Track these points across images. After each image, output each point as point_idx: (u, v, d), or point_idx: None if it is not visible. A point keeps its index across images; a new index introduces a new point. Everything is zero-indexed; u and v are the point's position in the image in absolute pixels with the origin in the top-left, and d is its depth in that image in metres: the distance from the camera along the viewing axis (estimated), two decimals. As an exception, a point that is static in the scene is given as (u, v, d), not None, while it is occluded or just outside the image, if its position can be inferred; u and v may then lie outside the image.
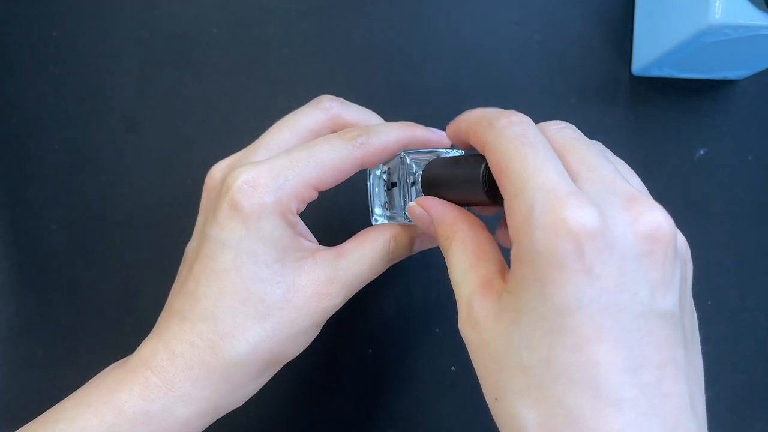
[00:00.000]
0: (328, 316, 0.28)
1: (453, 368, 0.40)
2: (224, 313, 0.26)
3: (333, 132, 0.30)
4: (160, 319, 0.28)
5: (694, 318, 0.23)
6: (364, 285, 0.29)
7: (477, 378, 0.37)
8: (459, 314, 0.23)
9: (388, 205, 0.31)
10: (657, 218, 0.20)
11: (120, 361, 0.29)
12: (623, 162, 0.24)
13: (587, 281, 0.19)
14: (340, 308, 0.33)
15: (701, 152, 0.41)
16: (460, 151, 0.30)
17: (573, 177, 0.21)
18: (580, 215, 0.19)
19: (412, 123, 0.30)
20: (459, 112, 0.40)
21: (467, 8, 0.41)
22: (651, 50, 0.38)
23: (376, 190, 0.31)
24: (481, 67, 0.41)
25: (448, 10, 0.41)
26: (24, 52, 0.41)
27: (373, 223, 0.31)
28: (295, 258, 0.27)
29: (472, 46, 0.41)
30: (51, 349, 0.41)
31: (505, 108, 0.42)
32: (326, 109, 0.30)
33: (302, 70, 0.41)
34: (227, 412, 0.28)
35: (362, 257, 0.28)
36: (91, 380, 0.28)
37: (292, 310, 0.26)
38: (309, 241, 0.29)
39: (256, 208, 0.26)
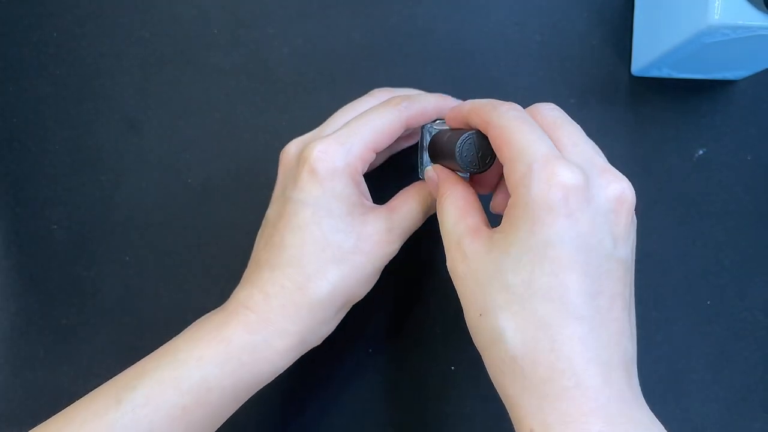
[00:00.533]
0: (387, 261, 0.33)
1: (453, 368, 0.40)
2: (308, 259, 0.31)
3: None
4: (247, 271, 0.33)
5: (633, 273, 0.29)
6: (411, 233, 0.35)
7: (476, 378, 0.38)
8: (448, 254, 0.29)
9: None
10: (623, 186, 0.26)
11: (214, 310, 0.33)
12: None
13: (568, 224, 0.25)
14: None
15: (700, 152, 0.41)
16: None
17: (560, 149, 0.27)
18: (569, 173, 0.25)
19: (446, 95, 0.36)
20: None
21: (467, 8, 0.41)
22: (650, 50, 0.39)
23: (426, 154, 0.36)
24: (481, 67, 0.41)
25: (448, 10, 0.41)
26: (25, 52, 0.41)
27: (420, 175, 0.36)
28: (360, 212, 0.32)
29: (472, 46, 0.41)
30: (52, 349, 0.41)
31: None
32: (379, 98, 0.35)
33: (302, 70, 0.41)
34: (310, 348, 0.33)
35: (410, 210, 0.34)
36: (191, 326, 0.32)
37: (362, 254, 0.32)
38: (367, 200, 0.34)
39: (330, 172, 0.31)
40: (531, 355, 0.24)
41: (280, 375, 0.34)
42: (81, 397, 0.37)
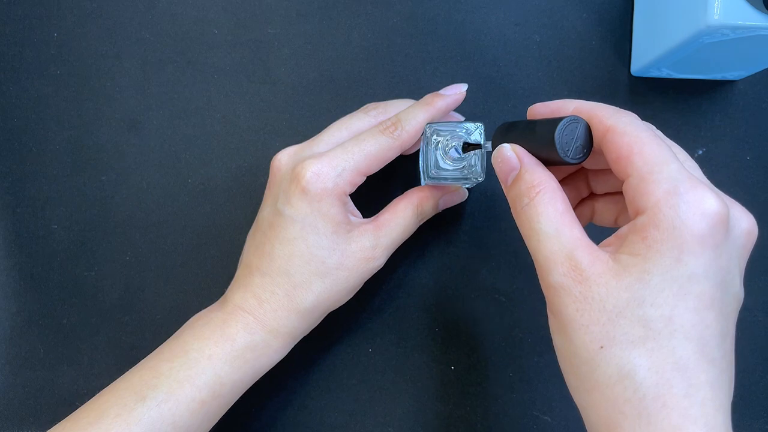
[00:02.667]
0: (371, 275, 0.36)
1: (453, 368, 0.40)
2: (295, 269, 0.34)
3: None
4: (239, 273, 0.36)
5: None
6: (400, 244, 0.36)
7: (477, 378, 0.38)
8: (553, 267, 0.25)
9: (437, 168, 0.36)
10: (753, 220, 0.25)
11: (207, 308, 0.35)
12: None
13: (714, 256, 0.23)
14: (341, 307, 0.36)
15: (700, 152, 0.41)
16: (477, 124, 0.35)
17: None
18: (717, 202, 0.23)
19: (434, 96, 0.36)
20: (459, 112, 0.40)
21: (467, 8, 0.41)
22: (650, 51, 0.39)
23: (431, 156, 0.36)
24: (481, 67, 0.41)
25: (448, 11, 0.41)
26: (26, 52, 0.41)
27: (423, 181, 0.36)
28: (345, 230, 0.34)
29: (472, 46, 0.41)
30: (52, 349, 0.41)
31: (503, 107, 0.42)
32: (374, 116, 0.36)
33: (302, 70, 0.41)
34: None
35: (396, 225, 0.36)
36: (192, 323, 0.35)
37: (345, 270, 0.34)
38: (354, 216, 0.36)
39: (320, 192, 0.33)
40: (663, 398, 0.22)
41: (280, 375, 0.35)
42: (81, 397, 0.37)
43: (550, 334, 0.27)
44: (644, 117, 0.42)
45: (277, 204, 0.34)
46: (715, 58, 0.36)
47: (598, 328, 0.24)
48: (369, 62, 0.41)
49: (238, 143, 0.41)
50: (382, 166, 0.35)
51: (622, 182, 0.25)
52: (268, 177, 0.36)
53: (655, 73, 0.41)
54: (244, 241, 0.37)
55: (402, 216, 0.36)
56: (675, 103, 0.41)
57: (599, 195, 0.32)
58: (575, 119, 0.26)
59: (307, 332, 0.36)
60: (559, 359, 0.26)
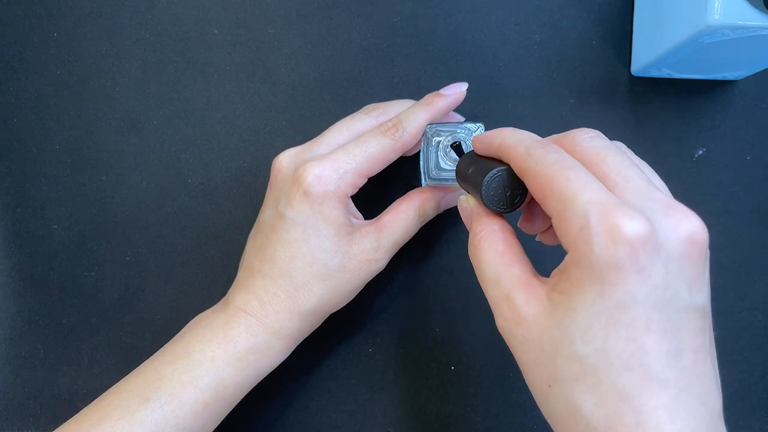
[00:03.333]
0: (372, 277, 0.36)
1: (453, 368, 0.40)
2: (297, 272, 0.34)
3: None
4: (240, 275, 0.36)
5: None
6: (402, 245, 0.36)
7: (476, 378, 0.38)
8: (496, 310, 0.26)
9: (438, 168, 0.36)
10: (695, 224, 0.23)
11: (209, 310, 0.36)
12: (644, 162, 0.27)
13: (640, 280, 0.22)
14: (341, 307, 0.36)
15: (700, 152, 0.41)
16: (478, 124, 0.35)
17: (611, 186, 0.24)
18: (632, 223, 0.22)
19: (434, 96, 0.36)
20: (459, 112, 0.40)
21: (467, 8, 0.41)
22: (650, 51, 0.39)
23: (432, 157, 0.36)
24: (481, 67, 0.41)
25: (448, 11, 0.41)
26: (25, 52, 0.41)
27: (423, 182, 0.36)
28: (347, 232, 0.34)
29: (472, 46, 0.41)
30: (52, 349, 0.41)
31: (503, 107, 0.42)
32: (375, 117, 0.36)
33: (302, 70, 0.41)
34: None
35: (398, 227, 0.36)
36: (194, 324, 0.35)
37: (347, 272, 0.34)
38: (356, 218, 0.36)
39: (322, 195, 0.33)
40: (615, 429, 0.22)
41: (280, 376, 0.35)
42: (81, 397, 0.37)
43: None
44: (645, 117, 0.42)
45: (278, 206, 0.34)
46: (715, 58, 0.36)
47: (542, 368, 0.24)
48: (369, 62, 0.41)
49: (238, 143, 0.41)
50: (383, 168, 0.35)
51: None
52: (268, 177, 0.36)
53: (655, 73, 0.41)
54: (244, 242, 0.37)
55: (404, 217, 0.36)
56: (675, 103, 0.41)
57: None
58: (497, 173, 0.27)
59: (309, 334, 0.36)
60: None
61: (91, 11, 0.42)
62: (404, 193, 0.37)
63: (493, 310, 0.26)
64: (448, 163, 0.35)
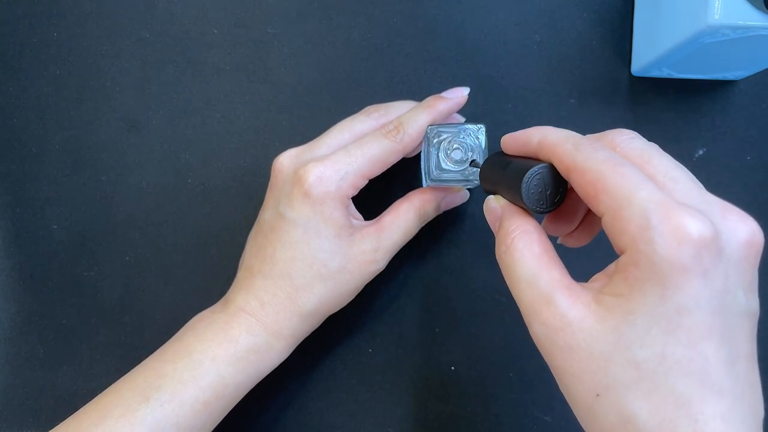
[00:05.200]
0: (374, 276, 0.36)
1: (453, 368, 0.40)
2: (297, 273, 0.34)
3: None
4: (240, 276, 0.36)
5: None
6: (402, 246, 0.36)
7: (477, 378, 0.38)
8: (535, 316, 0.24)
9: (439, 169, 0.36)
10: (753, 227, 0.23)
11: (208, 309, 0.36)
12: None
13: (703, 284, 0.21)
14: (341, 308, 0.36)
15: (700, 152, 0.41)
16: (479, 125, 0.35)
17: (660, 188, 0.23)
18: (697, 224, 0.21)
19: (435, 99, 0.36)
20: (459, 112, 0.40)
21: (467, 8, 0.41)
22: (650, 51, 0.39)
23: (433, 158, 0.36)
24: (481, 67, 0.41)
25: (448, 11, 0.41)
26: (25, 52, 0.41)
27: (425, 183, 0.37)
28: (348, 233, 0.34)
29: (472, 46, 0.41)
30: (52, 349, 0.41)
31: (503, 107, 0.42)
32: (376, 118, 0.36)
33: (302, 70, 0.41)
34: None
35: (398, 227, 0.36)
36: (193, 324, 0.35)
37: (347, 273, 0.34)
38: (356, 219, 0.36)
39: (322, 196, 0.33)
40: None
41: (280, 375, 0.35)
42: (81, 397, 0.37)
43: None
44: (645, 117, 0.42)
45: (279, 207, 0.34)
46: (715, 58, 0.36)
47: (589, 376, 0.23)
48: (369, 62, 0.41)
49: (238, 143, 0.41)
50: (384, 170, 0.35)
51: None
52: (268, 177, 0.36)
53: (655, 73, 0.41)
54: (244, 242, 0.37)
55: (404, 218, 0.36)
56: (675, 103, 0.41)
57: None
58: (538, 170, 0.25)
59: (309, 334, 0.36)
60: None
61: (91, 11, 0.42)
62: (404, 193, 0.37)
63: (526, 315, 0.25)
64: (449, 164, 0.35)
